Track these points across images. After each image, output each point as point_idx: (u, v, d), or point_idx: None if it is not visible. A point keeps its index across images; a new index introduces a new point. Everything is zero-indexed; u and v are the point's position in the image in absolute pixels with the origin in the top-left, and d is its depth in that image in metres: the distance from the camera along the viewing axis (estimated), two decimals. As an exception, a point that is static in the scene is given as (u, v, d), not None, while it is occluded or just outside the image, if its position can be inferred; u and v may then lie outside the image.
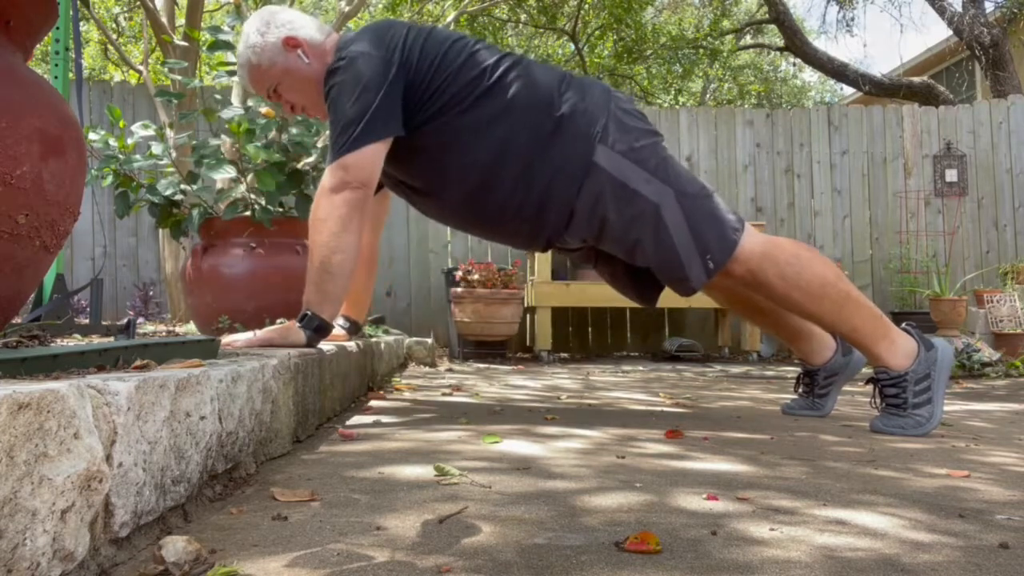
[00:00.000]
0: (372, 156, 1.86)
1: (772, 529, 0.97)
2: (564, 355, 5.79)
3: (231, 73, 3.04)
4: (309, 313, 1.85)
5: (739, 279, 1.95)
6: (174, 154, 2.78)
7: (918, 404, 1.86)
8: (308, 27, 2.05)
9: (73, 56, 2.43)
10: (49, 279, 2.48)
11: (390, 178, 2.09)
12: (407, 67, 1.89)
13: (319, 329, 1.85)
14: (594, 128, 1.92)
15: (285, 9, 2.11)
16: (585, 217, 1.95)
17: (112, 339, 1.67)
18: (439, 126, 1.92)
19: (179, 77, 3.73)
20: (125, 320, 1.62)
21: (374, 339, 3.01)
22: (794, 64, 13.95)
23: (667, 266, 1.94)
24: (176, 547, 0.77)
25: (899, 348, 1.90)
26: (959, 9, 8.80)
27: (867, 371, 2.01)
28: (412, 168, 2.01)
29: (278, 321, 2.24)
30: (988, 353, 4.45)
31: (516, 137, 1.92)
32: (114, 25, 9.33)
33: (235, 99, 3.67)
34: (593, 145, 1.91)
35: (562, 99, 1.94)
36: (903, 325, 1.98)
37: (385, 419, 1.94)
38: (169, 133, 2.85)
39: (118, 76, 10.00)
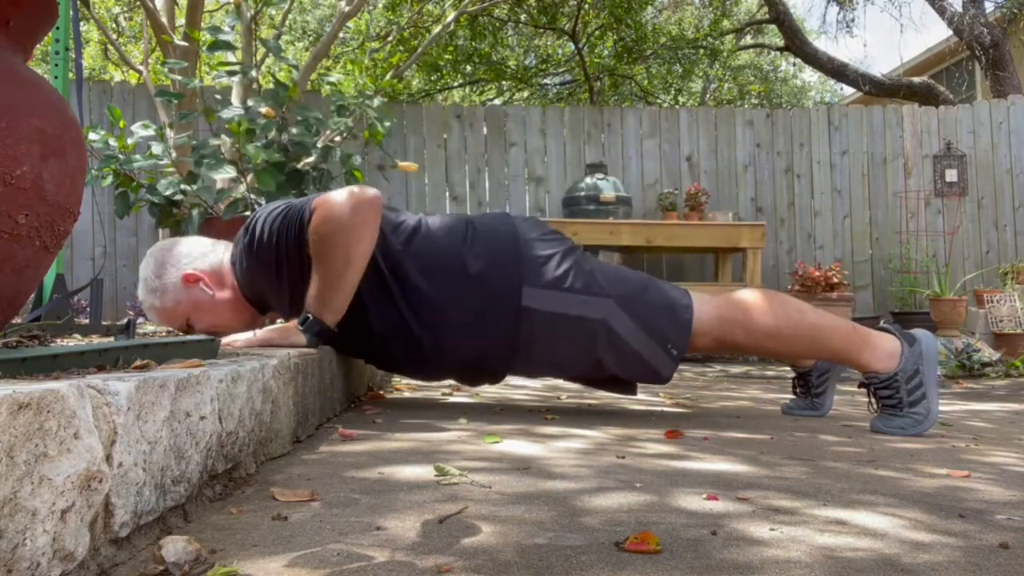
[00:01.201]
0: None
1: (772, 529, 0.97)
2: (564, 355, 5.78)
3: (231, 73, 3.04)
4: (311, 317, 1.84)
5: (706, 348, 1.97)
6: (174, 154, 2.79)
7: (913, 402, 1.87)
8: (203, 255, 2.02)
9: (73, 56, 2.43)
10: (49, 279, 2.48)
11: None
12: None
13: (320, 334, 1.85)
14: (512, 273, 1.89)
15: (177, 243, 2.07)
16: (536, 360, 1.94)
17: (112, 339, 1.67)
18: (358, 310, 1.90)
19: (179, 77, 3.74)
20: (125, 320, 1.62)
21: (374, 339, 3.00)
22: (794, 64, 13.95)
23: (634, 370, 1.95)
24: (176, 547, 0.77)
25: (882, 351, 1.90)
26: (959, 9, 8.79)
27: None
28: (343, 340, 1.97)
29: (278, 321, 2.24)
30: (988, 353, 4.45)
31: (439, 310, 1.90)
32: (114, 25, 9.33)
33: (235, 99, 3.67)
34: (517, 290, 1.88)
35: (471, 255, 1.91)
36: (880, 323, 1.99)
37: (385, 419, 1.94)
38: (169, 133, 2.85)
39: (118, 76, 10.00)
